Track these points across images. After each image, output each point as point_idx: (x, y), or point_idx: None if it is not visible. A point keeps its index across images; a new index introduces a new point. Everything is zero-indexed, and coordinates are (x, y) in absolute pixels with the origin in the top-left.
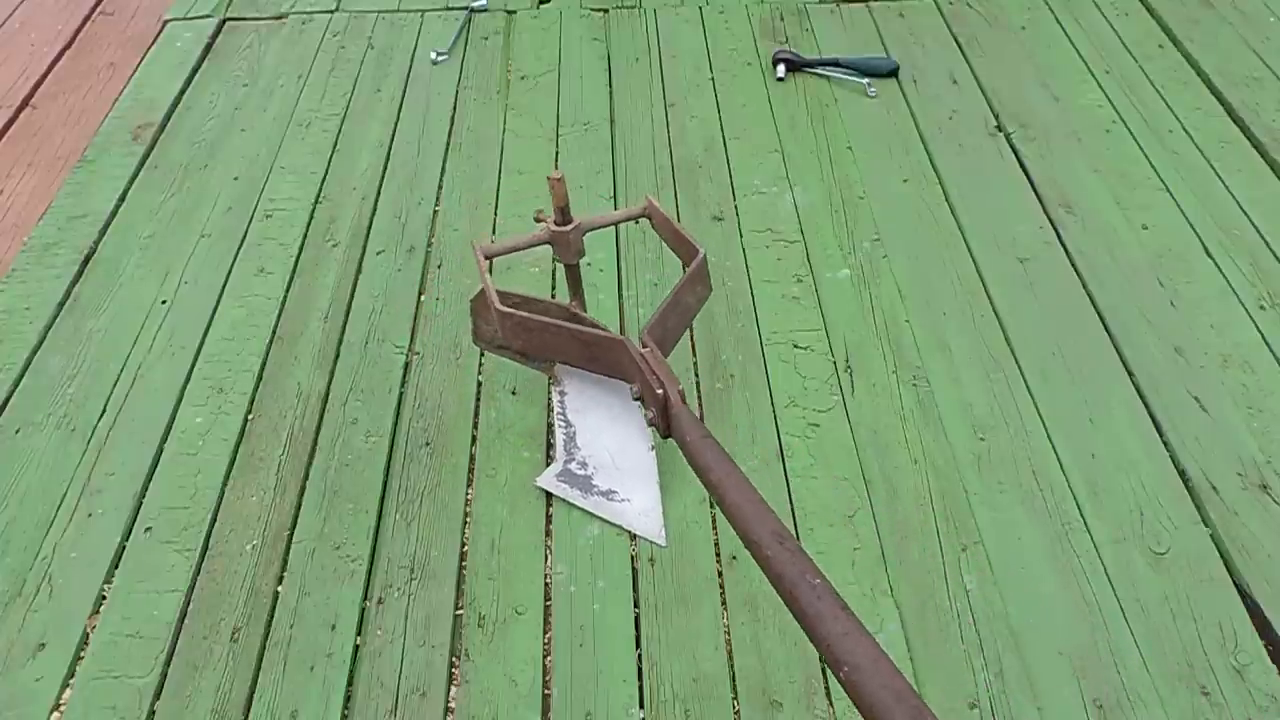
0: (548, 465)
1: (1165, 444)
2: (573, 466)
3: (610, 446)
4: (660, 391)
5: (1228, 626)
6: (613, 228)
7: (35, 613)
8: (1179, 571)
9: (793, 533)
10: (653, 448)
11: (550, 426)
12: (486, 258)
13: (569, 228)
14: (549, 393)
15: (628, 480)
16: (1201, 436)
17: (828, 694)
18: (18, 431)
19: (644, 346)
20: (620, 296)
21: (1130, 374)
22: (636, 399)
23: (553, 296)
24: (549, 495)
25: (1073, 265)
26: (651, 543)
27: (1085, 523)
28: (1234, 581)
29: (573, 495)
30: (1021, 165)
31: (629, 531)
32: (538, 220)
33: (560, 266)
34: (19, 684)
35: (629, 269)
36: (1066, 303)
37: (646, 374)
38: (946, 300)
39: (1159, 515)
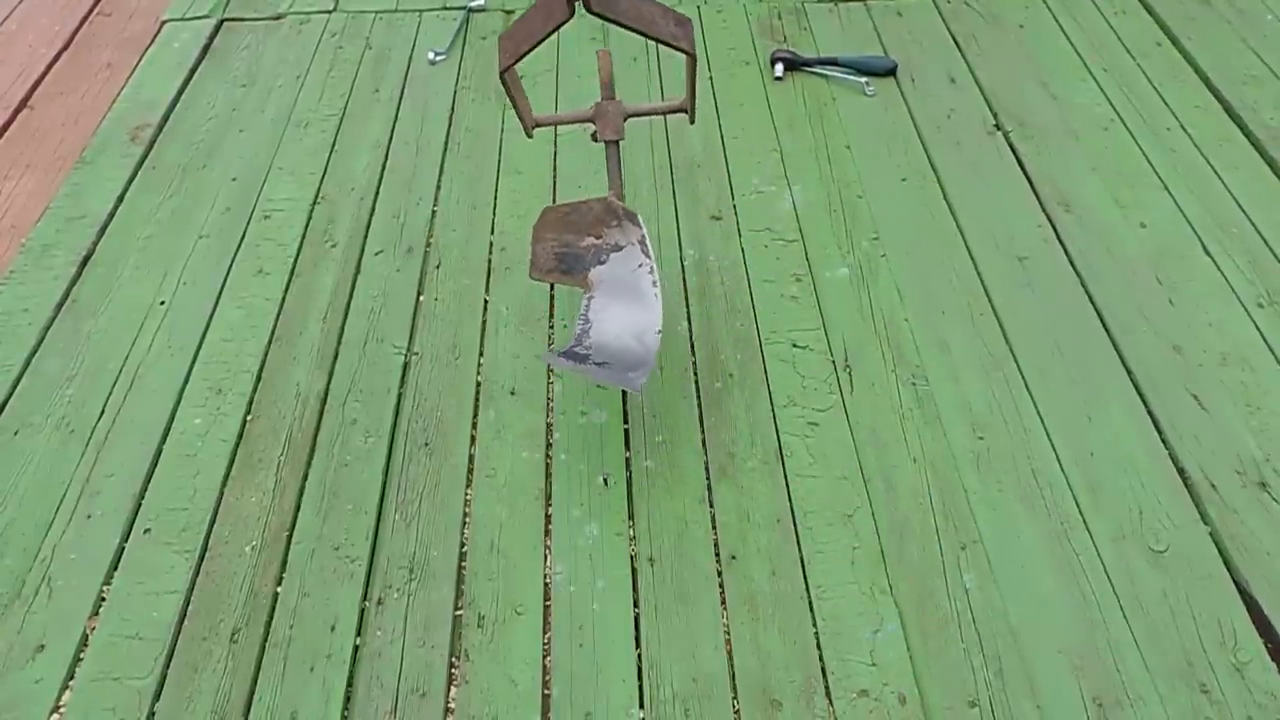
0: (548, 462)
1: (1164, 442)
2: (578, 349)
3: (620, 334)
4: None
5: (1227, 624)
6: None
7: (34, 614)
8: (1178, 569)
9: (792, 529)
10: (659, 331)
11: (550, 426)
12: (507, 78)
13: (612, 104)
14: (548, 380)
15: (628, 356)
16: (1200, 434)
17: (827, 693)
18: (16, 433)
19: None
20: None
21: (1129, 372)
22: None
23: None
24: (548, 495)
25: (1071, 263)
26: (628, 391)
27: (1084, 521)
28: (1233, 579)
29: (567, 366)
30: (1020, 164)
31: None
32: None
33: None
34: (18, 686)
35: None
36: (1065, 301)
37: None
38: (945, 299)
39: (1158, 513)
